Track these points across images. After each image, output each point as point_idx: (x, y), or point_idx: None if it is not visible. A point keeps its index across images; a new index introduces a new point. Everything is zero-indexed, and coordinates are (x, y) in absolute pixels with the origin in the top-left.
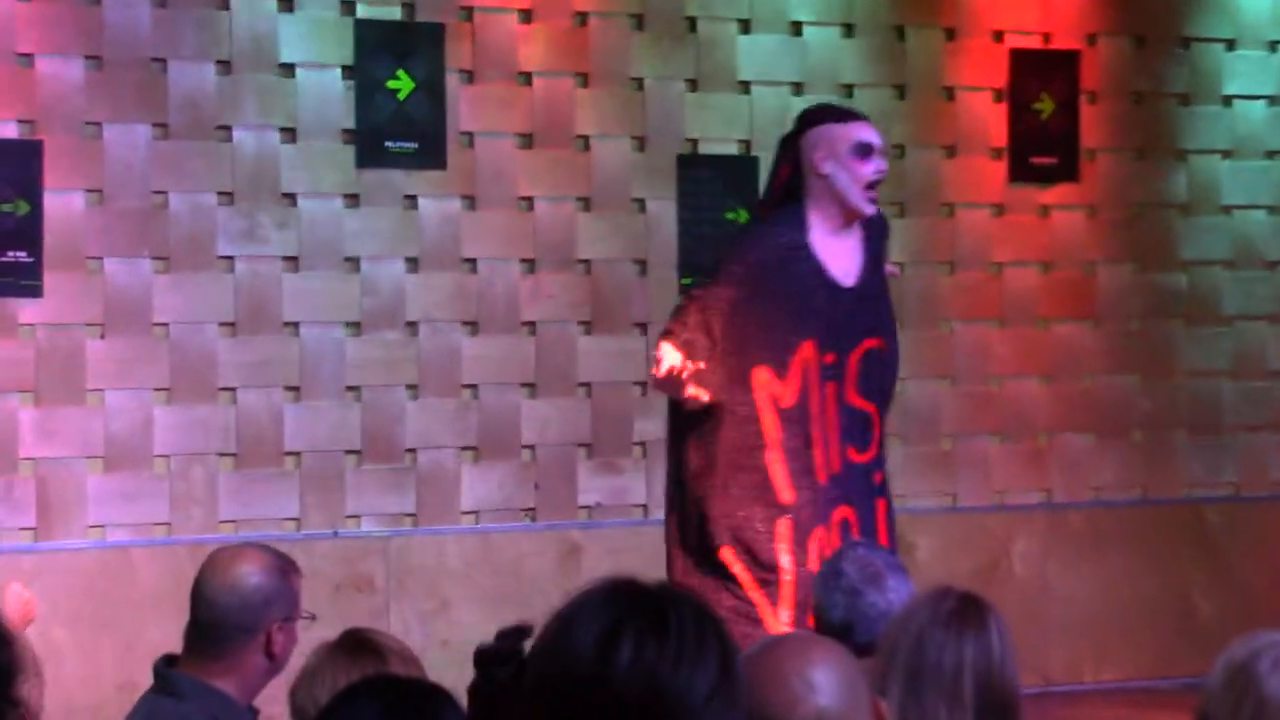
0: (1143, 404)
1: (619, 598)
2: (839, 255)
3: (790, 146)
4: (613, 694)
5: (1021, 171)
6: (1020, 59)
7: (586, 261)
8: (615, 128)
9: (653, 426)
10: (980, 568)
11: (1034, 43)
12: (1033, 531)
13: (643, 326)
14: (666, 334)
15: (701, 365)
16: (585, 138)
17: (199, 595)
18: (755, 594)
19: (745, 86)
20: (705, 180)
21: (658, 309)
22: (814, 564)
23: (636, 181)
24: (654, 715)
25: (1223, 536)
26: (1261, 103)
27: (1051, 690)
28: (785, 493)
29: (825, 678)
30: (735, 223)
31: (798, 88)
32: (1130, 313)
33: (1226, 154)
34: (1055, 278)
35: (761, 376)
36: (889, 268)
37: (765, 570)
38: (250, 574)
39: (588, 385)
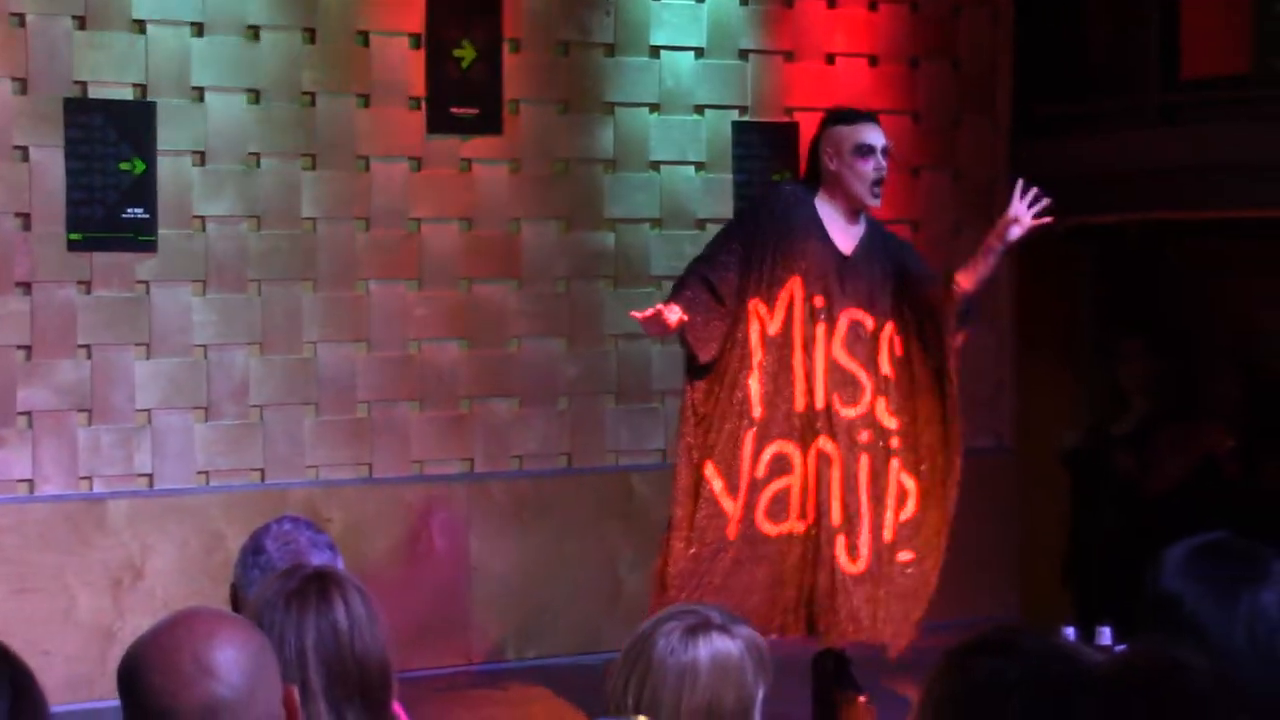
0: (569, 369)
1: None
2: (839, 229)
3: (812, 144)
4: None
5: (441, 122)
6: (438, 3)
7: None
8: None
9: (37, 395)
10: (399, 542)
11: None
12: (454, 503)
13: (26, 286)
14: (674, 291)
15: (696, 319)
16: None
17: None
18: (728, 502)
19: (140, 26)
20: (96, 127)
21: (43, 267)
22: (763, 471)
23: (18, 128)
24: None
25: (652, 507)
26: (690, 54)
27: (473, 669)
28: (757, 409)
29: (225, 660)
30: (130, 173)
31: (199, 28)
32: (556, 273)
33: (654, 107)
34: (477, 235)
35: (755, 307)
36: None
37: (736, 478)
38: None
39: None
